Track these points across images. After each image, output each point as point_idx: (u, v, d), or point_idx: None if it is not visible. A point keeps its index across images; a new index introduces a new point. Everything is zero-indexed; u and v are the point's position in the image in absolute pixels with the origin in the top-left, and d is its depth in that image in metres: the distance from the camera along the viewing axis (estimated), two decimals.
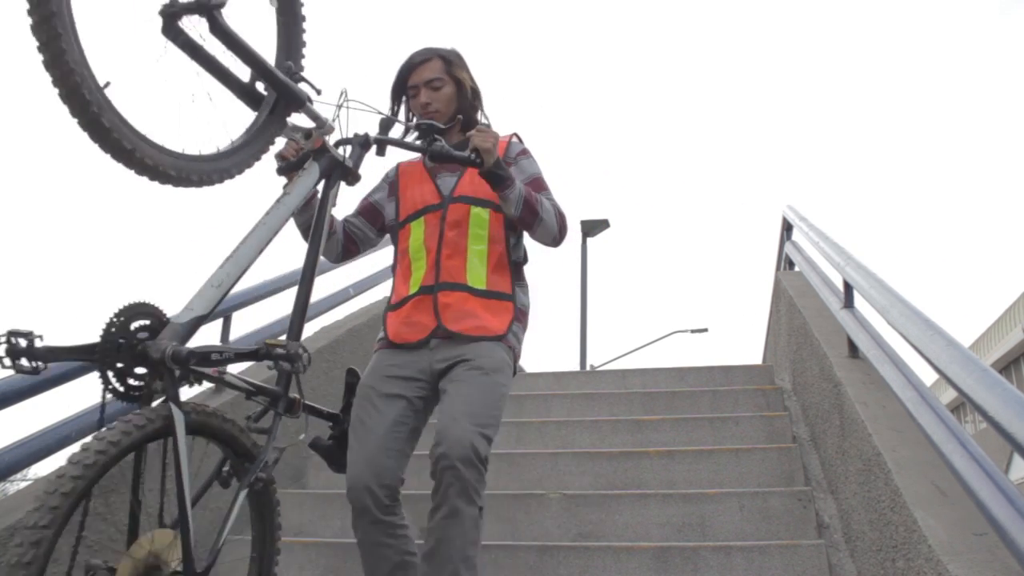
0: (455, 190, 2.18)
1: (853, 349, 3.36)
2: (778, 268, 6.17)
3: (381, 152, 2.07)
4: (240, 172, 1.87)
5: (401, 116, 2.28)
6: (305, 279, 1.98)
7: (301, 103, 1.96)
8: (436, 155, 1.99)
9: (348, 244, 2.33)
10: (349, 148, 2.08)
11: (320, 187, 2.06)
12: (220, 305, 3.23)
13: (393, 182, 2.33)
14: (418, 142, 2.08)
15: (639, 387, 4.83)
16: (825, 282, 4.18)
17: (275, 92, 1.94)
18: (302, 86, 1.99)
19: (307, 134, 1.99)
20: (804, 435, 3.93)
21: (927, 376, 3.18)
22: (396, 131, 2.23)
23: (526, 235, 2.25)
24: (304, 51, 2.03)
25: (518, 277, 2.20)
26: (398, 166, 2.36)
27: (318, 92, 1.99)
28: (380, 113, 2.10)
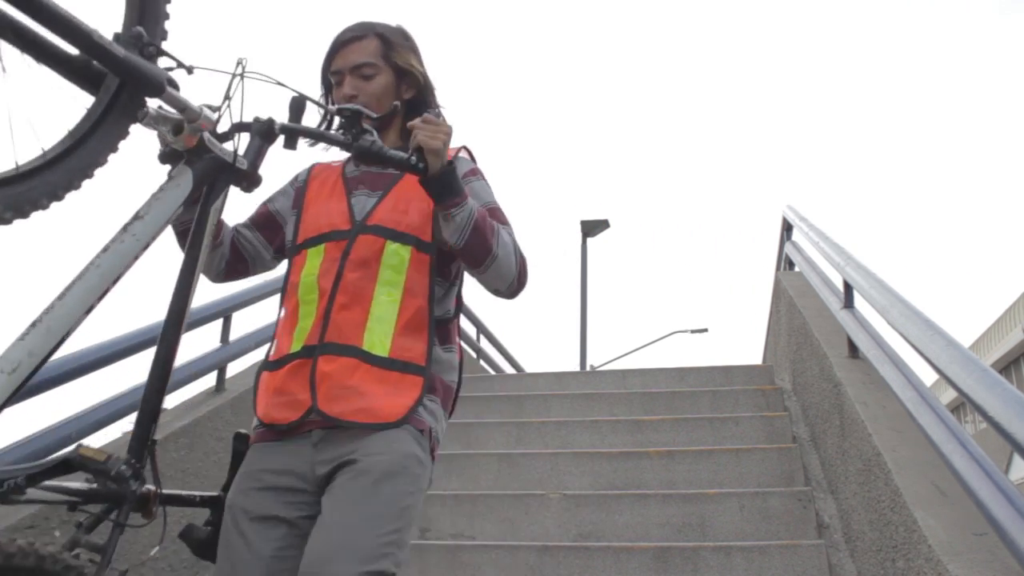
0: (370, 215, 1.58)
1: (853, 349, 3.36)
2: (778, 268, 6.17)
3: (291, 144, 1.47)
4: (89, 175, 1.30)
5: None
6: (167, 336, 1.37)
7: (156, 88, 1.32)
8: (363, 153, 1.42)
9: (235, 262, 1.72)
10: (246, 139, 1.48)
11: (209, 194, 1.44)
12: (216, 308, 2.90)
13: (301, 188, 1.73)
14: (341, 134, 1.49)
15: (639, 387, 4.84)
16: (825, 282, 4.18)
17: (112, 73, 1.31)
18: (162, 62, 1.36)
19: (176, 126, 1.37)
20: (804, 435, 3.94)
21: (927, 376, 3.17)
22: (315, 118, 1.67)
23: (467, 279, 1.68)
24: (168, 11, 1.39)
25: (444, 339, 1.60)
26: (312, 168, 1.77)
27: (189, 70, 1.35)
28: (292, 91, 1.47)
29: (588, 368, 11.20)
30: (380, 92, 1.62)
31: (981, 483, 1.86)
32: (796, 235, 5.41)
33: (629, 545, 2.86)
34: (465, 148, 1.73)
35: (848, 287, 3.50)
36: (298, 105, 1.48)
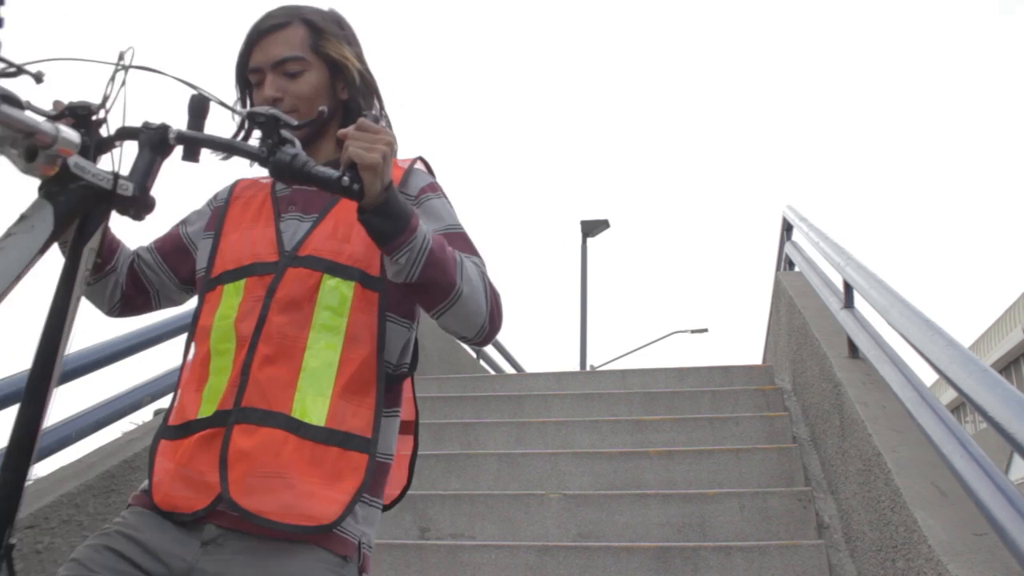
0: (303, 243, 1.25)
1: (853, 349, 3.36)
2: (778, 268, 6.18)
3: (191, 156, 1.16)
4: None
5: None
6: (29, 408, 1.00)
7: None
8: (281, 169, 1.09)
9: (133, 293, 1.39)
10: (135, 151, 1.12)
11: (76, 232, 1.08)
12: None
13: (221, 208, 1.39)
14: (255, 144, 1.15)
15: (639, 387, 4.84)
16: (825, 282, 4.19)
17: None
18: None
19: (29, 150, 1.04)
20: (804, 435, 3.94)
21: (927, 376, 3.17)
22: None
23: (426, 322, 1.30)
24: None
25: (392, 402, 1.26)
26: (235, 185, 1.43)
27: (37, 78, 1.03)
28: (192, 88, 1.16)
29: (588, 368, 11.20)
30: (310, 93, 1.30)
31: (981, 483, 1.86)
32: (796, 235, 5.41)
33: (629, 545, 2.86)
34: (421, 159, 1.40)
35: (848, 287, 3.51)
36: (199, 106, 1.17)
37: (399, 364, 1.28)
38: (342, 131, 1.09)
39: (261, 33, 1.32)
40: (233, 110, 1.22)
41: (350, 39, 1.37)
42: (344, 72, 1.33)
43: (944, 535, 1.92)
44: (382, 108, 1.40)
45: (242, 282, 1.26)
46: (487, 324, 1.21)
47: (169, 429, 1.22)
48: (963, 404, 11.08)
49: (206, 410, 1.19)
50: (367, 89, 1.36)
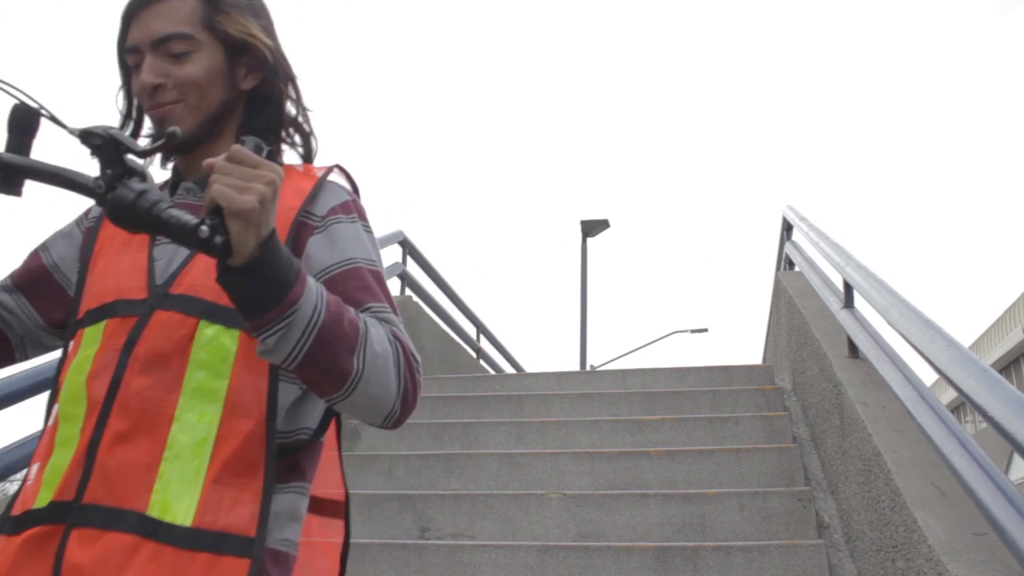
0: (179, 276, 0.97)
1: (853, 349, 3.37)
2: (778, 268, 6.18)
3: (9, 187, 0.87)
4: None
5: (122, 104, 1.10)
6: None
7: None
8: (121, 212, 0.81)
9: None
10: None
11: None
12: None
13: (92, 228, 1.09)
14: (93, 176, 0.85)
15: (639, 387, 4.84)
16: (825, 282, 4.19)
17: None
18: None
19: None
20: (804, 435, 3.94)
21: (927, 376, 3.18)
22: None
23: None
24: None
25: (289, 476, 0.98)
26: None
27: None
28: (14, 95, 0.88)
29: (588, 368, 11.21)
30: (201, 78, 1.01)
31: (981, 483, 1.86)
32: (796, 235, 5.41)
33: (629, 545, 2.86)
34: (339, 168, 1.10)
35: (848, 287, 3.51)
36: (24, 120, 0.88)
37: (296, 430, 0.98)
38: (208, 161, 0.81)
39: (140, 4, 1.03)
40: (63, 125, 0.88)
41: (256, 10, 1.07)
42: (250, 53, 1.04)
43: (944, 535, 1.92)
44: (299, 99, 1.11)
45: (101, 325, 0.98)
46: (397, 408, 0.93)
47: (8, 521, 0.94)
48: (963, 404, 11.08)
49: (42, 498, 0.91)
50: (281, 73, 1.07)
